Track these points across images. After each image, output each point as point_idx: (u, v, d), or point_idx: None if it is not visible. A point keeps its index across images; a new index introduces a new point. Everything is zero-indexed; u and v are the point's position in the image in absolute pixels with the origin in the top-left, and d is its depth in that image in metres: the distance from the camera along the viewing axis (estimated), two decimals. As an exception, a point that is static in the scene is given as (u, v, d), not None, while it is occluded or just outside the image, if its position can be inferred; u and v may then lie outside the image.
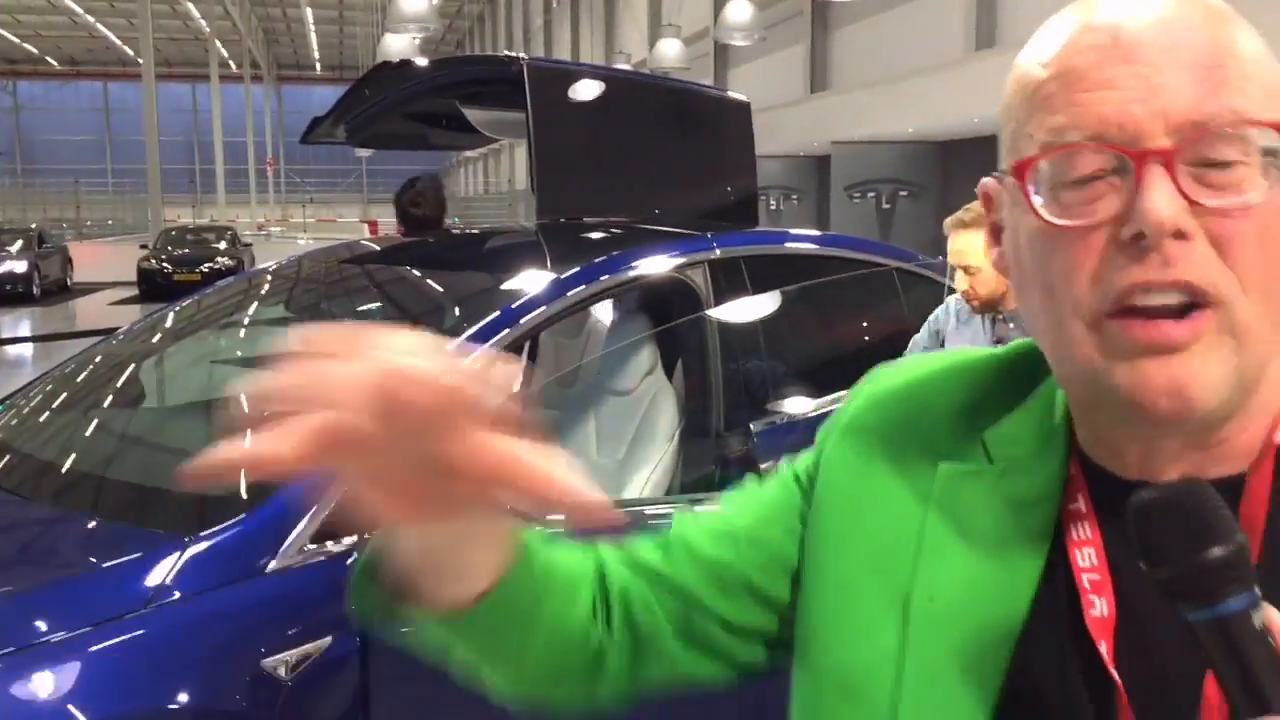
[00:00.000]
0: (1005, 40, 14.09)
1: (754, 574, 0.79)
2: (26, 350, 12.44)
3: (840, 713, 0.72)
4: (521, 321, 2.47)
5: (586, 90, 3.22)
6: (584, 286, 2.60)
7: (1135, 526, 0.56)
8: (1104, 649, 0.64)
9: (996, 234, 0.72)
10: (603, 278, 2.65)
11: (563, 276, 2.59)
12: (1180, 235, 0.60)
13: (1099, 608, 0.65)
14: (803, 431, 2.70)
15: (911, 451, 0.75)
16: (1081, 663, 0.65)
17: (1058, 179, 0.64)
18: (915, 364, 0.82)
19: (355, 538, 2.09)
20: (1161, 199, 0.60)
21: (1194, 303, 0.61)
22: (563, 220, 3.24)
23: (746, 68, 22.36)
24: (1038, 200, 0.64)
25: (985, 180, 0.72)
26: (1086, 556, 0.67)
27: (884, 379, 0.82)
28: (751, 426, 2.69)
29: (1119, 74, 0.62)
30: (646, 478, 2.82)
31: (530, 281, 2.59)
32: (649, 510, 2.60)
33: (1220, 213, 0.61)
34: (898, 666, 0.69)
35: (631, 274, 2.71)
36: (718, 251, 2.86)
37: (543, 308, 2.51)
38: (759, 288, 2.92)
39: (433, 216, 4.18)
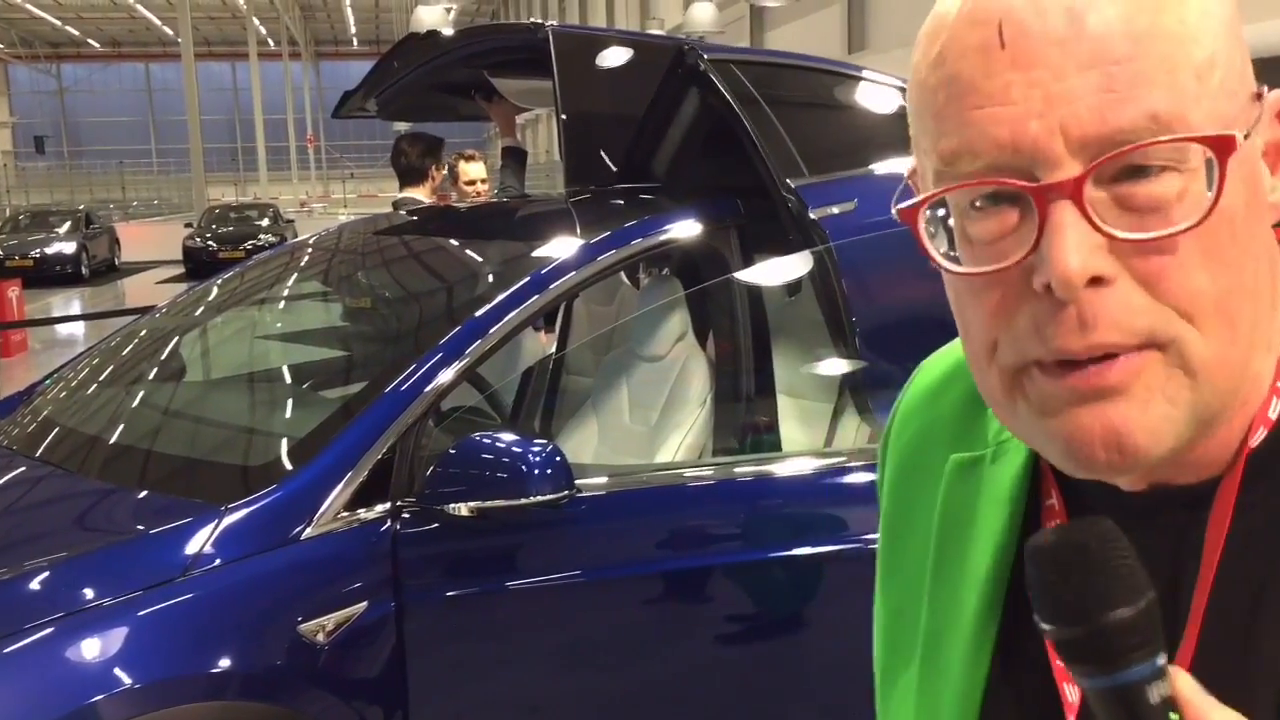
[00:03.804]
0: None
1: None
2: (78, 329, 12.67)
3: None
4: (551, 287, 2.48)
5: (614, 56, 3.20)
6: (614, 251, 2.60)
7: (1031, 574, 0.49)
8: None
9: None
10: (633, 242, 2.65)
11: (593, 242, 2.59)
12: (1098, 282, 0.50)
13: None
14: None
15: (933, 454, 0.70)
16: (1037, 676, 0.61)
17: (961, 207, 0.55)
18: (950, 349, 0.73)
19: (388, 504, 2.12)
20: (1069, 247, 0.49)
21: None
22: (593, 187, 3.24)
23: (783, 29, 22.10)
24: (935, 247, 0.55)
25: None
26: None
27: (916, 385, 0.76)
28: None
29: (1013, 83, 0.51)
30: (679, 443, 2.82)
31: (560, 247, 2.60)
32: (683, 474, 2.61)
33: (1146, 246, 0.50)
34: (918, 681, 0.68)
35: (662, 238, 2.70)
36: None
37: (573, 273, 2.51)
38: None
39: (415, 167, 4.83)
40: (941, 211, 0.55)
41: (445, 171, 5.08)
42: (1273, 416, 0.56)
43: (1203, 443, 0.55)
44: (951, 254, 0.56)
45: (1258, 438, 0.56)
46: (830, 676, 2.33)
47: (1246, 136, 0.52)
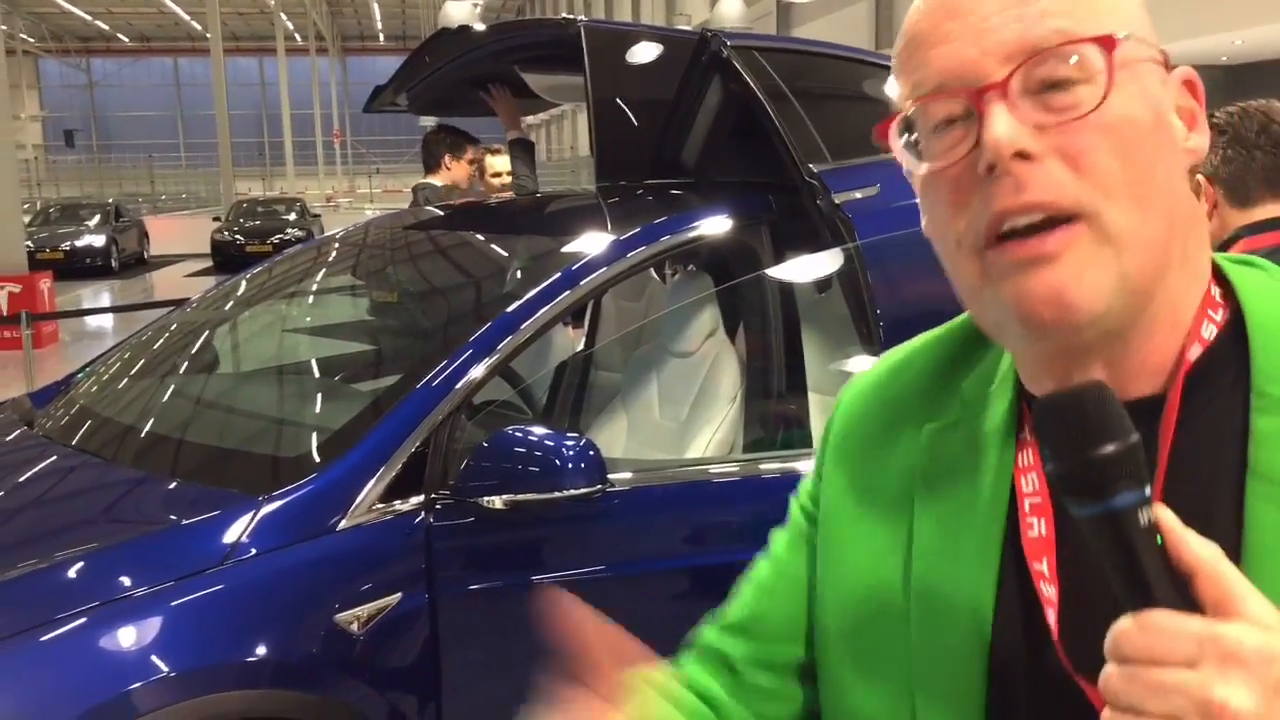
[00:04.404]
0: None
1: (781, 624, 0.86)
2: (107, 321, 12.79)
3: (858, 690, 0.78)
4: (582, 283, 2.48)
5: (645, 51, 3.21)
6: (644, 247, 2.60)
7: (1038, 426, 0.59)
8: (1044, 566, 0.69)
9: None
10: (663, 238, 2.65)
11: (623, 238, 2.59)
12: (1025, 156, 0.64)
13: (1037, 528, 0.70)
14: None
15: (900, 427, 0.80)
16: (1020, 579, 0.71)
17: (923, 132, 0.70)
18: (889, 354, 0.87)
19: (422, 497, 2.13)
20: (999, 125, 0.64)
21: (1061, 218, 0.64)
22: (623, 183, 3.25)
23: (810, 26, 22.03)
24: (906, 155, 0.71)
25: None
26: (1030, 482, 0.72)
27: (861, 378, 0.87)
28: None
29: (952, 29, 0.68)
30: (709, 439, 2.82)
31: (591, 243, 2.60)
32: (712, 470, 2.61)
33: (1062, 129, 0.64)
34: (906, 616, 0.75)
35: (692, 234, 2.71)
36: None
37: (603, 269, 2.52)
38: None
39: (432, 155, 5.23)
40: (914, 138, 0.71)
41: (463, 161, 5.27)
42: (1206, 336, 0.69)
43: (1142, 347, 0.68)
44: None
45: (1193, 353, 0.68)
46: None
47: (1157, 58, 0.68)
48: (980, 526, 0.73)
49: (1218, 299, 0.70)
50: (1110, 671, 0.54)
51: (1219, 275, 0.71)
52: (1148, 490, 0.56)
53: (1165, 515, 0.56)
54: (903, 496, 0.78)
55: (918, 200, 0.73)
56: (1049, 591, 0.68)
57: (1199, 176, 2.09)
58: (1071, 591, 0.68)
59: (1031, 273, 0.65)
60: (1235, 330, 0.69)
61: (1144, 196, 0.65)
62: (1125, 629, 0.54)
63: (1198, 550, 0.55)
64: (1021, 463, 0.73)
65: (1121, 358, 0.68)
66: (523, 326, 2.36)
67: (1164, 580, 0.55)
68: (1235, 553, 0.62)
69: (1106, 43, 0.65)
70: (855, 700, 0.78)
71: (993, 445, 0.74)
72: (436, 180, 5.17)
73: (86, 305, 14.78)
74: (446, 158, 5.20)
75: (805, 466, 2.48)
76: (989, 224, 0.66)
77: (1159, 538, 0.56)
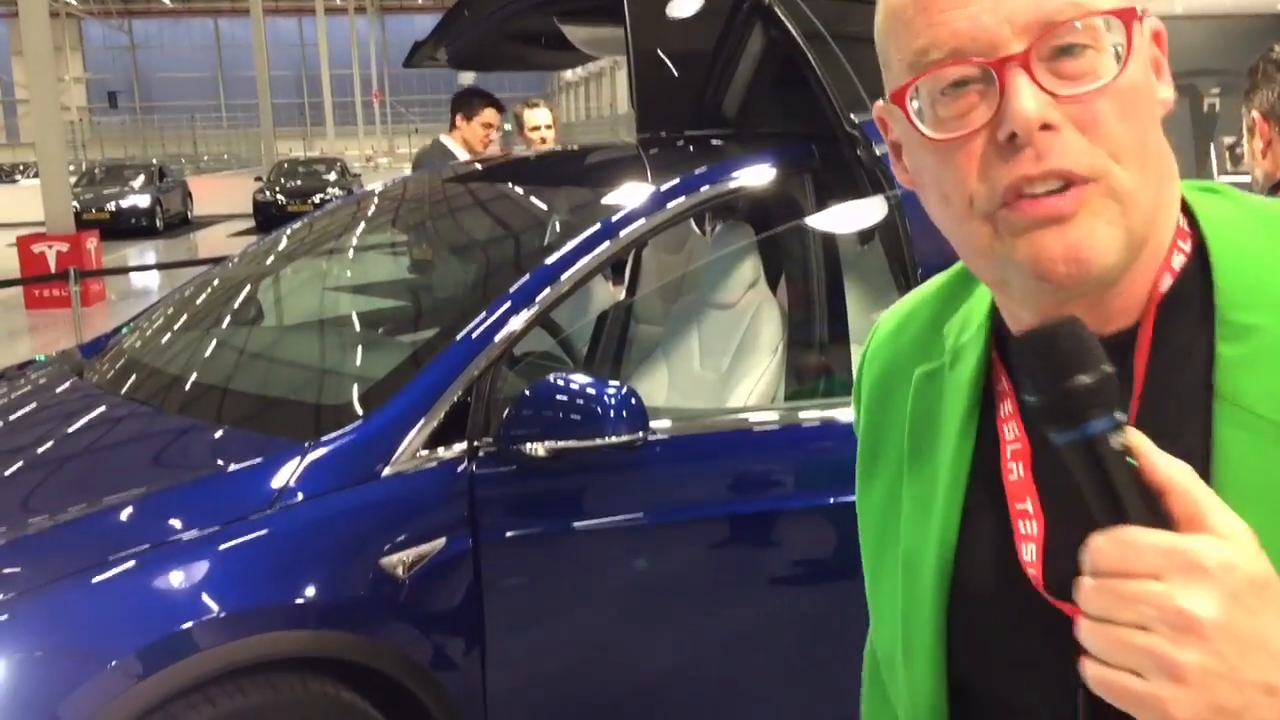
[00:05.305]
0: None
1: None
2: (153, 280, 12.96)
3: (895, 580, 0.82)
4: (622, 234, 2.48)
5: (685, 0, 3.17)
6: (684, 198, 2.59)
7: (1018, 360, 0.64)
8: (1028, 505, 0.72)
9: (898, 152, 0.76)
10: (703, 189, 2.64)
11: (663, 189, 2.58)
12: (1047, 127, 0.66)
13: (1015, 472, 0.74)
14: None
15: (901, 376, 0.84)
16: (997, 517, 0.75)
17: (931, 96, 0.70)
18: (906, 298, 0.89)
19: (465, 444, 2.15)
20: (1025, 99, 0.65)
21: (1074, 182, 0.67)
22: (663, 134, 3.23)
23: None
24: (920, 123, 0.70)
25: (876, 104, 0.77)
26: (1010, 430, 0.75)
27: (878, 330, 0.90)
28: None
29: None
30: (750, 389, 2.82)
31: (630, 195, 2.59)
32: (752, 418, 2.61)
33: (1080, 99, 0.66)
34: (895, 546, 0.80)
35: (732, 185, 2.69)
36: None
37: (642, 220, 2.51)
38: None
39: (451, 116, 5.27)
40: (915, 105, 0.70)
41: (474, 123, 5.26)
42: (1175, 267, 0.71)
43: (1125, 286, 0.70)
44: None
45: (1165, 284, 0.71)
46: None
47: (1141, 18, 0.68)
48: (948, 473, 0.77)
49: (1185, 229, 0.73)
50: (1085, 584, 0.58)
51: (1184, 204, 0.74)
52: (1120, 416, 0.59)
53: (1138, 439, 0.60)
54: (898, 450, 0.82)
55: (905, 159, 0.74)
56: (1029, 528, 0.72)
57: (1254, 113, 2.04)
58: (1052, 527, 0.71)
59: (1048, 232, 0.67)
60: (1201, 258, 0.72)
61: (1144, 157, 0.68)
62: (1098, 544, 0.58)
63: (1168, 470, 0.59)
64: (1002, 412, 0.76)
65: (1106, 298, 0.70)
66: (563, 278, 2.37)
67: (1136, 499, 0.58)
68: (1205, 473, 0.65)
69: (1126, 16, 0.67)
70: (878, 643, 0.83)
71: (963, 394, 0.77)
72: (445, 139, 5.23)
73: (132, 264, 14.97)
74: (458, 118, 5.24)
75: (845, 415, 2.49)
76: (1006, 189, 0.67)
77: (1131, 460, 0.59)
